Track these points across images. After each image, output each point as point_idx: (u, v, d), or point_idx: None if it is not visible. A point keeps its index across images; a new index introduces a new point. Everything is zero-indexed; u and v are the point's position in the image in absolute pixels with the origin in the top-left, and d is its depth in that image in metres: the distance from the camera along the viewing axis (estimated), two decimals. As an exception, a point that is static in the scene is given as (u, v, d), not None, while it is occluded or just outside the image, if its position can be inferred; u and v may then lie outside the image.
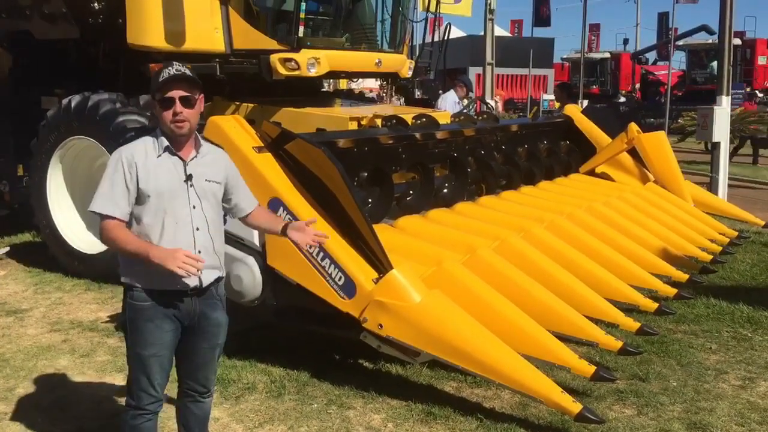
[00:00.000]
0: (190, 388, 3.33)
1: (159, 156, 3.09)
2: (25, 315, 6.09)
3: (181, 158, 3.12)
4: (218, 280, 3.25)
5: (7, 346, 5.35)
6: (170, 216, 3.06)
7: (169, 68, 3.05)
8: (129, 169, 3.03)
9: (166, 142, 3.10)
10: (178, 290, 3.09)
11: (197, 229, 3.11)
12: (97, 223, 3.12)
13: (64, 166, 7.28)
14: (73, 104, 7.01)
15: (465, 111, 9.56)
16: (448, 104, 10.01)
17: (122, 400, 3.37)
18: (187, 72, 3.05)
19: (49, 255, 7.38)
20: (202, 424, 3.42)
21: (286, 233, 3.34)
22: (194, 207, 3.11)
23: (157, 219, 3.05)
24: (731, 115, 11.81)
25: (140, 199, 3.05)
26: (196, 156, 3.16)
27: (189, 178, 3.10)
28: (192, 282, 3.10)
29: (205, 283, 3.15)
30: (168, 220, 3.05)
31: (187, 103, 3.05)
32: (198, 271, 2.94)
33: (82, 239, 7.21)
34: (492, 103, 9.81)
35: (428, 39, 9.42)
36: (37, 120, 7.40)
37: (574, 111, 8.97)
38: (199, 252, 3.08)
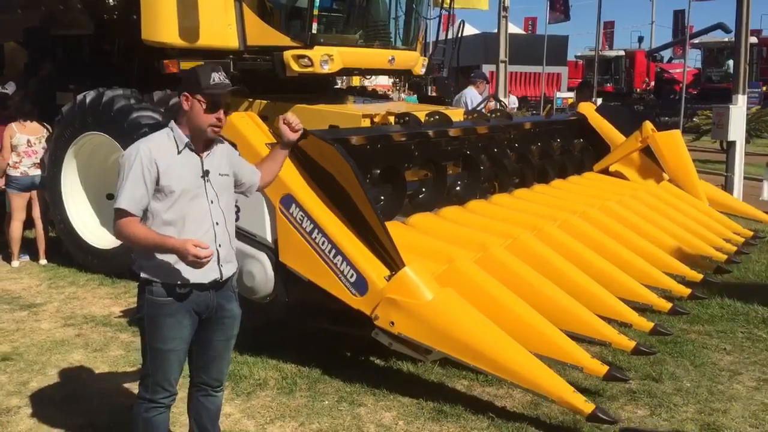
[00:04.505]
0: (203, 383, 3.35)
1: (180, 152, 3.11)
2: (39, 309, 6.13)
3: (198, 154, 3.16)
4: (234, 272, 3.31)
5: (21, 340, 5.40)
6: (191, 212, 3.09)
7: (219, 74, 3.10)
8: (149, 166, 3.03)
9: (186, 139, 3.13)
10: (200, 283, 3.11)
11: (216, 224, 3.15)
12: (111, 218, 3.13)
13: (79, 161, 7.32)
14: (87, 100, 7.05)
15: (486, 102, 9.43)
16: (474, 99, 9.87)
17: (135, 395, 3.38)
18: (231, 85, 3.17)
19: (63, 250, 7.43)
20: (214, 419, 3.43)
21: (286, 145, 3.57)
22: (212, 202, 3.15)
23: (178, 215, 3.07)
24: (746, 114, 11.73)
25: (160, 195, 3.06)
26: (209, 152, 3.20)
27: (206, 173, 3.14)
28: (213, 275, 3.13)
29: (225, 276, 3.20)
30: (189, 216, 3.08)
31: (227, 112, 3.17)
32: (208, 256, 2.96)
33: (96, 234, 7.26)
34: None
35: (442, 36, 9.35)
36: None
37: (588, 109, 8.91)
38: (220, 246, 3.14)
